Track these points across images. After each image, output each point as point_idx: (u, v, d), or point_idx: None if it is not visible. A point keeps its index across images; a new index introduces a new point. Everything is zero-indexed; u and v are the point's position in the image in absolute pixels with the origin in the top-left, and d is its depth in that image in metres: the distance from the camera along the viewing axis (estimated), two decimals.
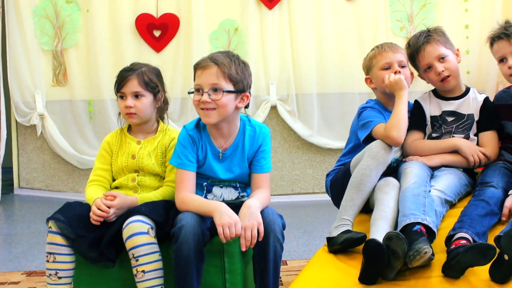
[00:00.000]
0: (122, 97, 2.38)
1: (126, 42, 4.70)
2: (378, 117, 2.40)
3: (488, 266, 1.80)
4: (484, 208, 2.05)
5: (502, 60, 2.35)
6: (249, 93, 2.23)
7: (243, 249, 1.99)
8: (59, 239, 2.14)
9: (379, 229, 2.00)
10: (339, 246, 2.06)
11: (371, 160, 2.17)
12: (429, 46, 2.42)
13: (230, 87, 2.14)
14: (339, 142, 4.75)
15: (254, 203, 2.06)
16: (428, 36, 2.44)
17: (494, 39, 2.36)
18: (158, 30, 4.71)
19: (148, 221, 2.11)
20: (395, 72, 2.42)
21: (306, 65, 4.74)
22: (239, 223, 1.99)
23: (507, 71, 2.33)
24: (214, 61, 2.14)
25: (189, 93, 2.23)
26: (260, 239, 2.00)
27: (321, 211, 4.29)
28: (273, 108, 4.80)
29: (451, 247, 1.87)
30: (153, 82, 2.39)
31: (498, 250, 1.79)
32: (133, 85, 2.35)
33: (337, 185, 2.45)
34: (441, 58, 2.42)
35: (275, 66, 4.76)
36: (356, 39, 4.79)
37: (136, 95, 2.36)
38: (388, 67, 2.45)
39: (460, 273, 1.83)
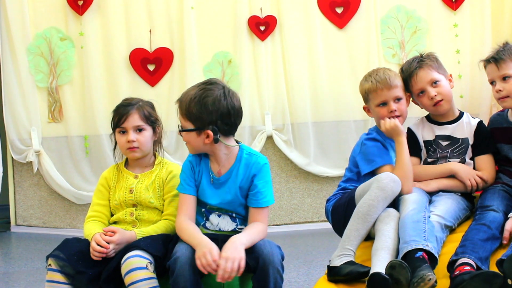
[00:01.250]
0: (122, 132, 2.38)
1: (121, 77, 4.72)
2: (382, 157, 2.41)
3: None
4: (486, 233, 2.05)
5: (492, 83, 2.38)
6: (214, 128, 2.16)
7: (218, 279, 1.98)
8: (59, 277, 2.12)
9: (381, 258, 1.99)
10: (342, 277, 2.04)
11: (379, 192, 2.16)
12: (421, 71, 2.44)
13: (189, 125, 2.20)
14: (336, 170, 4.75)
15: (239, 239, 2.06)
16: (421, 61, 2.47)
17: (485, 62, 2.39)
18: (152, 64, 4.74)
19: (147, 255, 2.09)
20: (391, 112, 2.44)
21: (301, 94, 4.78)
22: (214, 250, 2.00)
23: (495, 94, 2.36)
24: (179, 99, 2.24)
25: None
26: (238, 275, 1.99)
27: (320, 240, 4.27)
28: (269, 138, 4.81)
29: (455, 273, 1.86)
30: (152, 115, 2.42)
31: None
32: (135, 119, 2.37)
33: (339, 211, 2.44)
34: (434, 83, 2.43)
35: (270, 96, 4.79)
36: (349, 67, 4.84)
37: (138, 129, 2.37)
38: (384, 103, 2.46)
39: None
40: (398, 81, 2.47)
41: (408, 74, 2.48)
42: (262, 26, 4.75)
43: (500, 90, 2.33)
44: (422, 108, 2.56)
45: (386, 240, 2.06)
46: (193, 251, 2.06)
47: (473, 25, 4.90)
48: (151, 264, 2.08)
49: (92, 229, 2.26)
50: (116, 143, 2.45)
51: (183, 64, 4.74)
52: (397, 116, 2.44)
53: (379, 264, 1.95)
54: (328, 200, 2.61)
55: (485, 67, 2.41)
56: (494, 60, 2.34)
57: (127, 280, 2.06)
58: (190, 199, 2.25)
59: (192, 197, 2.25)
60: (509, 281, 1.76)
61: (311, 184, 4.89)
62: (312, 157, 4.80)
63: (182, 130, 2.21)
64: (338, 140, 4.80)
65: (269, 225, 4.77)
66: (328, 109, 4.81)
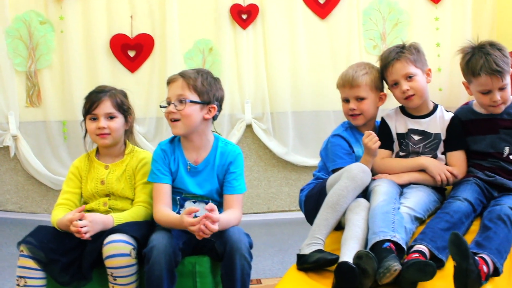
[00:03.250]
0: (93, 118, 2.36)
1: (101, 63, 4.68)
2: (342, 158, 2.48)
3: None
4: (448, 222, 2.08)
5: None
6: (218, 106, 2.31)
7: (199, 235, 2.03)
8: (30, 263, 2.12)
9: (350, 248, 2.01)
10: (310, 265, 2.06)
11: (349, 182, 2.19)
12: (398, 63, 2.43)
13: (195, 97, 2.23)
14: (314, 160, 4.76)
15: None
16: (400, 52, 2.45)
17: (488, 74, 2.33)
18: (132, 50, 4.71)
19: (132, 241, 2.10)
20: (350, 110, 2.51)
21: (281, 84, 4.78)
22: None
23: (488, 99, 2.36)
24: (181, 74, 2.26)
25: (161, 107, 2.30)
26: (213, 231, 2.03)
27: (296, 229, 4.29)
28: (248, 126, 4.82)
29: (404, 261, 1.89)
30: (124, 104, 2.40)
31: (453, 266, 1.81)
32: (106, 106, 2.35)
33: (312, 201, 2.47)
34: (408, 77, 2.43)
35: (250, 85, 4.79)
36: (330, 58, 4.84)
37: (110, 117, 2.35)
38: (347, 100, 2.54)
39: (410, 286, 1.85)
40: (363, 81, 2.50)
41: (385, 63, 2.48)
42: (244, 15, 4.74)
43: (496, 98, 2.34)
44: None
45: (356, 230, 2.09)
46: (170, 240, 2.07)
47: (454, 19, 4.93)
48: (134, 250, 2.09)
49: (59, 216, 2.25)
50: (86, 131, 2.42)
51: (164, 51, 4.71)
52: (357, 115, 2.52)
53: (348, 253, 1.97)
54: (301, 190, 2.64)
55: (475, 74, 2.34)
56: (500, 73, 2.29)
57: (108, 263, 2.07)
58: (166, 188, 2.26)
59: (168, 186, 2.27)
60: (454, 263, 1.80)
61: (289, 173, 4.92)
62: (290, 147, 4.82)
63: (190, 101, 2.22)
64: (317, 130, 4.82)
65: (246, 214, 4.81)
66: (308, 99, 4.82)
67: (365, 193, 2.29)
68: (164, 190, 2.25)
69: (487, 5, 4.95)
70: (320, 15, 4.85)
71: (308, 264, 2.07)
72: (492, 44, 2.36)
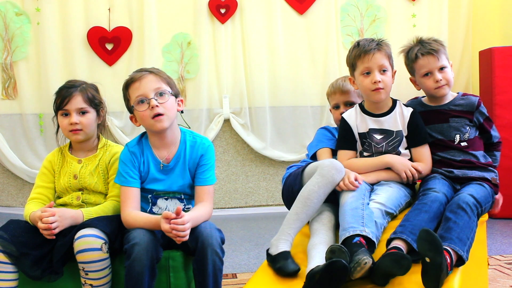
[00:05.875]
0: (65, 114, 2.35)
1: (78, 55, 4.66)
2: (322, 142, 2.59)
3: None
4: (427, 212, 2.10)
5: (427, 74, 2.48)
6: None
7: (177, 240, 2.02)
8: (1, 257, 2.09)
9: (319, 251, 2.01)
10: (275, 270, 2.07)
11: (320, 178, 2.20)
12: (378, 54, 2.43)
13: (169, 89, 2.22)
14: (292, 155, 4.81)
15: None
16: (380, 44, 2.48)
17: (421, 54, 2.49)
18: (110, 43, 4.69)
19: (102, 235, 2.08)
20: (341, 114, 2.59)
21: (259, 79, 4.80)
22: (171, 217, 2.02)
23: (434, 84, 2.47)
24: (146, 71, 2.23)
25: (132, 112, 2.25)
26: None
27: (274, 224, 4.31)
28: (226, 121, 4.84)
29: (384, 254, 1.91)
30: (96, 98, 2.38)
31: (422, 262, 1.82)
32: (78, 101, 2.33)
33: (290, 179, 2.51)
34: (383, 70, 2.45)
35: (228, 79, 4.80)
36: (308, 53, 4.88)
37: (81, 112, 2.33)
38: (337, 106, 2.71)
39: (382, 280, 1.86)
40: (352, 88, 2.64)
41: (364, 50, 2.46)
42: (222, 9, 4.74)
43: (440, 80, 2.45)
44: (356, 89, 2.58)
45: (323, 237, 2.12)
46: (152, 237, 2.07)
47: (431, 16, 4.99)
48: (105, 244, 2.07)
49: (31, 210, 2.23)
50: (58, 126, 2.40)
51: (141, 44, 4.70)
52: None
53: (319, 255, 1.98)
54: (290, 167, 2.66)
55: (414, 59, 2.50)
56: (434, 51, 2.45)
57: (80, 258, 2.05)
58: (135, 192, 2.23)
59: (137, 189, 2.24)
60: (427, 259, 1.82)
61: (267, 168, 4.94)
62: (268, 141, 4.85)
63: (170, 93, 2.21)
64: (295, 125, 4.86)
65: (224, 208, 4.81)
66: (285, 94, 4.85)
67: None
68: (133, 194, 2.22)
69: (463, 2, 5.01)
70: (298, 10, 4.87)
71: (273, 268, 2.08)
72: (429, 37, 2.55)
